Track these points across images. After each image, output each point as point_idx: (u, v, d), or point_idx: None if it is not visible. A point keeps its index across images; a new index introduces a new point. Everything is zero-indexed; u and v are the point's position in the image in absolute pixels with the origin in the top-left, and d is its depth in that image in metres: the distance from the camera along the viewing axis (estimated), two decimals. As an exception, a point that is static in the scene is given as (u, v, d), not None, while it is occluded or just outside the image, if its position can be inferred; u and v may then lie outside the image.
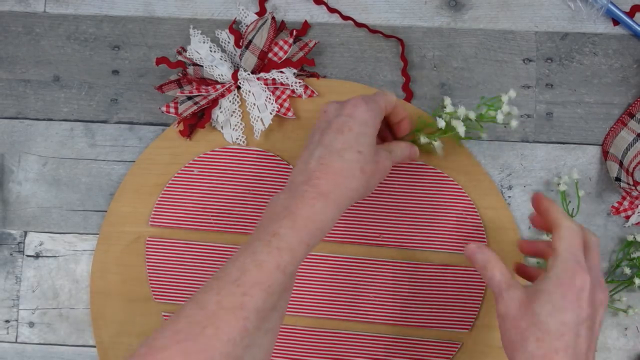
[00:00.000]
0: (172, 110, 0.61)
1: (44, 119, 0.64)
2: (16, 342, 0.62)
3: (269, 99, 0.61)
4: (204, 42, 0.62)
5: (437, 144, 0.57)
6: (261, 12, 0.64)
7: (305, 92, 0.61)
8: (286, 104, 0.61)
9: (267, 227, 0.44)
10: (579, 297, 0.43)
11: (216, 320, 0.40)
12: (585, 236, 0.46)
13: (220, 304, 0.41)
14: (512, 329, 0.43)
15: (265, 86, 0.61)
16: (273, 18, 0.61)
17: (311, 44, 0.62)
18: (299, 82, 0.61)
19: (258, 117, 0.61)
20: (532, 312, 0.42)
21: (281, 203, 0.45)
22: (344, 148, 0.47)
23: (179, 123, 0.62)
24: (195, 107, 0.60)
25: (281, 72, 0.60)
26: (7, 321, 0.62)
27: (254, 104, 0.61)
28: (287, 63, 0.61)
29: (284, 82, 0.61)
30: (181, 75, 0.62)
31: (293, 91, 0.61)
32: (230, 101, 0.61)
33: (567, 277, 0.43)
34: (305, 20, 0.63)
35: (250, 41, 0.60)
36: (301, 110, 0.62)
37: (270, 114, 0.61)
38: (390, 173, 0.61)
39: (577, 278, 0.43)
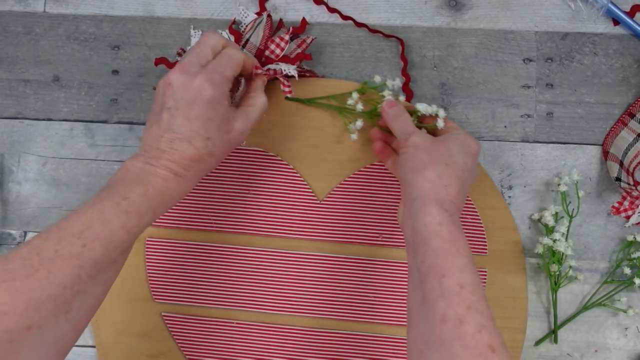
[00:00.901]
0: (171, 110, 0.61)
1: (43, 119, 0.64)
2: (16, 342, 0.62)
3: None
4: (203, 42, 0.62)
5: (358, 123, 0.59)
6: (261, 12, 0.64)
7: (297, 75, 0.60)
8: (286, 82, 0.60)
9: (119, 190, 0.46)
10: (468, 153, 0.52)
11: (50, 265, 0.41)
12: None
13: (57, 253, 0.42)
14: (424, 154, 0.50)
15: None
16: (269, 16, 0.61)
17: (308, 40, 0.62)
18: (293, 67, 0.59)
19: None
20: (445, 146, 0.51)
21: (135, 172, 0.48)
22: (192, 136, 0.49)
23: (178, 123, 0.62)
24: (195, 107, 0.60)
25: (277, 63, 0.60)
26: (7, 321, 0.62)
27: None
28: (284, 60, 0.61)
29: (277, 70, 0.59)
30: (181, 75, 0.62)
31: (286, 76, 0.60)
32: (230, 101, 0.61)
33: (469, 138, 0.53)
34: (303, 18, 0.63)
35: (248, 40, 0.60)
36: (303, 110, 0.62)
37: None
38: (390, 173, 0.61)
39: (474, 142, 0.53)
